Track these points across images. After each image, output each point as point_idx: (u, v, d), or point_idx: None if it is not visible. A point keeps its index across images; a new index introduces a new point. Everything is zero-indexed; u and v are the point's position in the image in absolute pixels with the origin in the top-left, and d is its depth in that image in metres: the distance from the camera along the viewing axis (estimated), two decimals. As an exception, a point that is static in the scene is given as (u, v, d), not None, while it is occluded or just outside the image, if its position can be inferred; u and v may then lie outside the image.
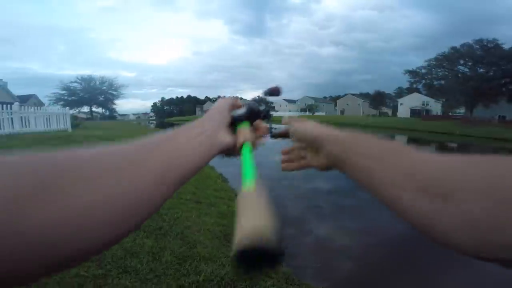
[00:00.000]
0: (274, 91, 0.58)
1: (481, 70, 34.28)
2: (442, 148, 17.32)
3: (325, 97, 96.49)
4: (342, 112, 66.23)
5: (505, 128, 25.15)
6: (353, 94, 70.18)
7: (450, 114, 41.07)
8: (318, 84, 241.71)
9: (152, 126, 38.61)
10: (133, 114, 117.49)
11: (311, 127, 0.46)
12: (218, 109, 0.45)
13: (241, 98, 0.54)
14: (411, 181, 0.28)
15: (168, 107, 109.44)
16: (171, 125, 43.09)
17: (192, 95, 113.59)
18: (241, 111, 0.50)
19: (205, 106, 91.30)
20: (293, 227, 3.92)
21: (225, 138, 0.41)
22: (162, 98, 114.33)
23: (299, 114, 60.36)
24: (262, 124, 0.50)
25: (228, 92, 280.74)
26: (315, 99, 75.47)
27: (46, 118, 10.16)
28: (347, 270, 3.09)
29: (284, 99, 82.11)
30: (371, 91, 64.14)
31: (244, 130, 0.46)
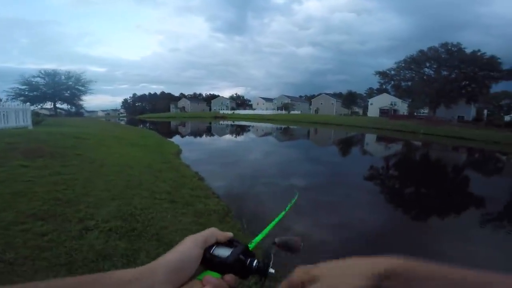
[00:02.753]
0: (292, 247, 0.44)
1: (445, 72, 36.77)
2: (408, 145, 18.40)
3: (301, 96, 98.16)
4: (316, 111, 67.84)
5: (463, 128, 27.29)
6: (327, 94, 72.12)
7: (415, 114, 43.72)
8: (295, 83, 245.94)
9: (122, 123, 36.92)
10: (102, 110, 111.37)
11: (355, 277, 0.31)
12: (185, 252, 0.38)
13: (234, 241, 0.43)
14: None
15: (140, 104, 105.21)
16: (143, 122, 41.54)
17: (166, 91, 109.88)
18: (225, 251, 0.41)
19: (179, 103, 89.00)
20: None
21: None
22: (134, 94, 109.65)
23: (276, 113, 60.92)
24: (234, 281, 0.38)
25: (204, 89, 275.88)
26: (291, 98, 76.53)
27: (3, 114, 9.33)
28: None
29: (261, 97, 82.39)
30: (344, 91, 66.35)
31: (209, 283, 0.36)
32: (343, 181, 7.61)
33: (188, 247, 0.39)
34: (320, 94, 73.48)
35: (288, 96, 76.56)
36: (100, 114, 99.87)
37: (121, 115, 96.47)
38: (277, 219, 0.62)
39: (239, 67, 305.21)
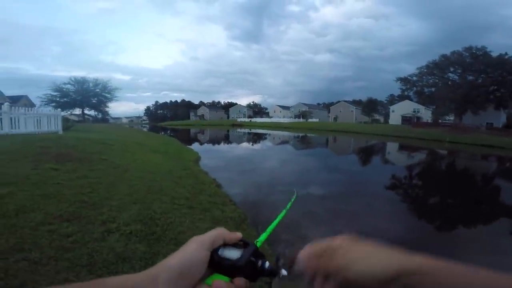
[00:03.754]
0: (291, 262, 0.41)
1: (470, 77, 35.14)
2: (433, 154, 17.61)
3: (319, 104, 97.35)
4: (335, 119, 66.84)
5: (492, 135, 25.75)
6: (346, 101, 70.98)
7: (440, 121, 41.89)
8: (312, 91, 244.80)
9: (145, 129, 38.25)
10: (126, 117, 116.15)
11: (381, 260, 0.30)
12: (191, 253, 0.36)
13: (243, 241, 0.41)
14: None
15: (161, 111, 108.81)
16: (164, 129, 42.80)
17: (187, 99, 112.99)
18: (234, 253, 0.39)
19: (198, 111, 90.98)
20: (289, 232, 3.91)
21: None
22: (156, 102, 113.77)
23: (293, 121, 60.65)
24: (245, 285, 0.37)
25: (222, 97, 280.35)
26: (309, 105, 76.04)
27: (37, 120, 9.97)
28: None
29: (278, 105, 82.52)
30: (364, 98, 65.00)
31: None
32: (363, 190, 7.39)
33: (194, 249, 0.37)
34: (338, 101, 72.50)
35: (305, 104, 76.12)
36: (124, 120, 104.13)
37: (143, 122, 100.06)
38: (279, 217, 0.63)
39: (257, 75, 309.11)
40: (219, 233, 0.40)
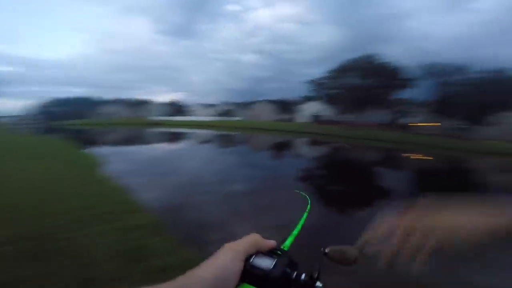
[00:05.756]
0: (345, 259, 0.40)
1: (365, 81, 42.92)
2: (335, 148, 20.56)
3: (241, 103, 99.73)
4: (255, 117, 70.21)
5: (380, 131, 31.97)
6: (266, 100, 75.28)
7: (340, 119, 49.13)
8: (237, 89, 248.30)
9: (32, 131, 31.83)
10: (11, 116, 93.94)
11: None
12: (226, 258, 0.34)
13: (276, 249, 0.38)
14: None
15: (61, 108, 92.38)
16: (62, 130, 36.58)
17: (96, 95, 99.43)
18: (267, 262, 0.36)
19: (109, 108, 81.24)
20: (216, 231, 4.09)
21: None
22: (55, 98, 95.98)
23: (215, 119, 60.67)
24: None
25: (139, 94, 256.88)
26: (232, 104, 77.41)
27: None
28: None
29: (201, 103, 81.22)
30: (283, 98, 70.82)
31: None
32: (274, 183, 8.12)
33: (228, 259, 0.34)
34: (259, 100, 76.23)
35: (228, 103, 77.20)
36: (3, 120, 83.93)
37: (35, 121, 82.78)
38: (302, 220, 0.60)
39: (181, 71, 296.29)
40: (253, 240, 0.37)
